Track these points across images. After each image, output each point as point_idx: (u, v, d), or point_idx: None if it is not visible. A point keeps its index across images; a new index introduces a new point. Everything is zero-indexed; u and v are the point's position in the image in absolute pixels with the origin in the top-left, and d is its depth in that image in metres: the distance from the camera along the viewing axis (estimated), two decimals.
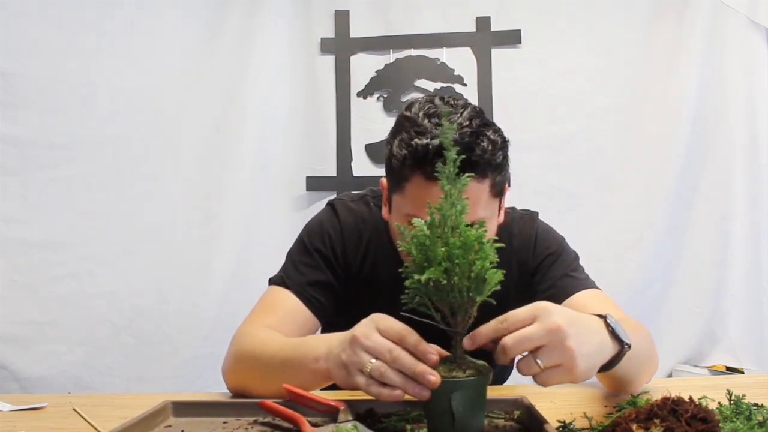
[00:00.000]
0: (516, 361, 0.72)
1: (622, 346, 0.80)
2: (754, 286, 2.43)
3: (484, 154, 0.97)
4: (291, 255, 1.20)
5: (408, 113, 1.02)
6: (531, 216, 1.24)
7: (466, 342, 0.72)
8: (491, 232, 1.05)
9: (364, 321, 0.78)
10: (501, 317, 0.72)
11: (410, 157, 0.98)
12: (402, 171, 1.00)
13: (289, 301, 1.12)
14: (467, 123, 0.98)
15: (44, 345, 2.21)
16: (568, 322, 0.71)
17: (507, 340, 0.70)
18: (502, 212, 1.10)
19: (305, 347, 0.93)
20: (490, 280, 0.72)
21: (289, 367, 0.95)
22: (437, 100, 1.03)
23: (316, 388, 0.95)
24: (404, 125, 1.01)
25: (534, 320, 0.71)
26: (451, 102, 1.03)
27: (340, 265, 1.17)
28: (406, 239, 0.73)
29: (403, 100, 2.46)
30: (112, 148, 2.29)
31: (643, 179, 2.42)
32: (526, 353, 0.71)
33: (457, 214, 0.72)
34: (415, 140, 0.97)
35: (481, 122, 1.00)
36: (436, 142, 0.95)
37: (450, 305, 0.73)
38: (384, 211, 1.13)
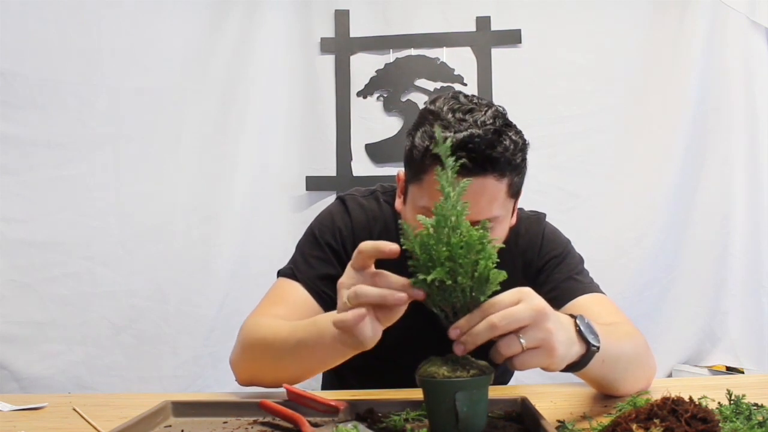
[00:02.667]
0: (497, 343, 0.72)
1: (589, 348, 0.80)
2: (754, 286, 2.43)
3: (505, 152, 0.98)
4: (301, 247, 1.20)
5: (432, 107, 1.03)
6: (538, 217, 1.25)
7: (452, 332, 0.73)
8: (503, 232, 1.06)
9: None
10: (486, 303, 0.73)
11: (432, 148, 0.98)
12: (422, 162, 1.01)
13: (298, 293, 1.13)
14: (491, 121, 0.99)
15: (44, 345, 2.21)
16: (549, 307, 0.75)
17: (494, 317, 0.71)
18: (516, 215, 1.11)
19: (317, 327, 0.95)
20: (492, 280, 0.72)
21: (303, 348, 0.96)
22: (462, 97, 1.04)
23: (334, 365, 0.97)
24: (428, 118, 1.02)
25: (518, 302, 0.73)
26: (475, 100, 1.04)
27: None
28: (409, 238, 0.74)
29: (403, 99, 2.46)
30: (112, 148, 2.29)
31: (643, 179, 2.42)
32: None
33: (457, 215, 0.72)
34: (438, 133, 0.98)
35: (503, 122, 1.01)
36: (460, 136, 0.96)
37: (452, 305, 0.74)
38: (398, 202, 1.14)
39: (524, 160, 1.04)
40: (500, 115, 1.02)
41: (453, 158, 0.94)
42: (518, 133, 1.03)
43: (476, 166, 0.96)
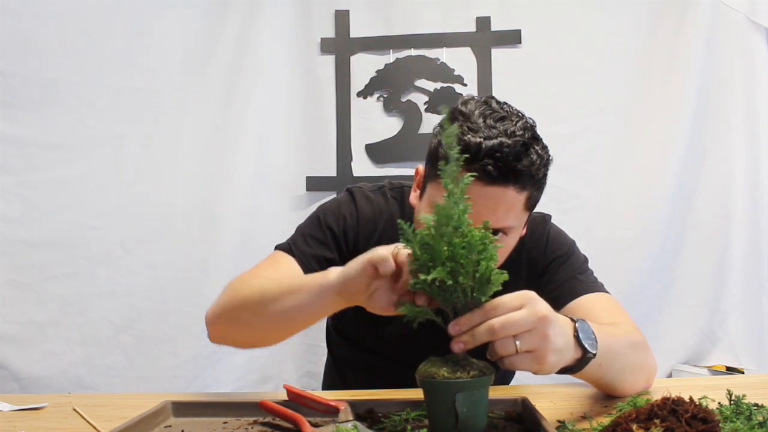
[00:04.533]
0: (494, 342, 0.73)
1: (585, 353, 0.81)
2: (754, 286, 2.43)
3: (530, 166, 0.99)
4: (302, 228, 1.21)
5: (463, 108, 1.03)
6: (543, 218, 1.25)
7: (452, 328, 0.73)
8: (513, 242, 1.07)
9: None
10: (489, 304, 0.73)
11: (461, 151, 0.98)
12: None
13: (291, 266, 1.13)
14: (520, 133, 0.99)
15: (44, 345, 2.21)
16: (552, 314, 0.75)
17: (495, 322, 0.72)
18: (527, 227, 1.12)
19: (308, 275, 0.97)
20: (494, 281, 0.72)
21: (287, 293, 0.96)
22: (494, 103, 1.04)
23: (312, 315, 0.95)
24: (458, 118, 1.02)
25: (521, 307, 0.73)
26: (507, 108, 1.04)
27: (349, 250, 1.17)
28: (409, 238, 0.74)
29: (403, 100, 2.46)
30: (112, 148, 2.29)
31: (643, 179, 2.42)
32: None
33: (460, 213, 0.72)
34: (468, 136, 0.97)
35: (532, 135, 1.01)
36: (489, 143, 0.96)
37: (453, 305, 0.74)
38: (413, 196, 1.14)
39: (545, 175, 1.04)
40: (530, 127, 1.02)
41: (478, 164, 0.94)
42: (544, 148, 1.03)
43: (500, 175, 0.96)
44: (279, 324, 1.00)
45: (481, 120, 0.99)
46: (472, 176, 0.77)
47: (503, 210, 1.00)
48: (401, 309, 0.76)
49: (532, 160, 0.99)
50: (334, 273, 0.88)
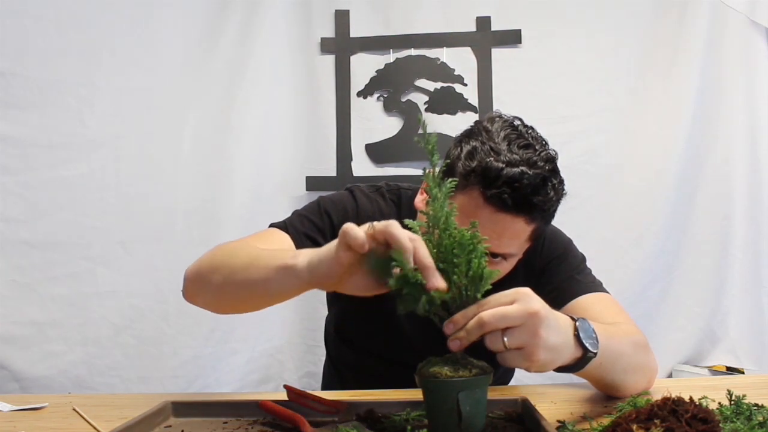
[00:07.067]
0: (485, 336, 0.73)
1: (586, 353, 0.80)
2: (754, 286, 2.43)
3: (545, 201, 0.98)
4: (299, 211, 1.21)
5: (488, 125, 1.01)
6: None
7: (447, 327, 0.73)
8: (510, 266, 1.06)
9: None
10: (483, 300, 0.73)
11: (479, 172, 0.97)
12: (463, 180, 0.99)
13: (284, 240, 1.12)
14: (541, 164, 0.97)
15: (44, 345, 2.20)
16: (545, 311, 0.74)
17: (484, 314, 0.71)
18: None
19: (280, 252, 0.90)
20: (486, 278, 0.73)
21: (255, 265, 0.89)
22: (521, 127, 1.02)
23: (282, 293, 0.87)
24: (481, 135, 1.00)
25: (514, 303, 0.73)
26: (533, 134, 1.02)
27: None
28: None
29: (403, 100, 2.46)
30: (112, 148, 2.29)
31: (643, 179, 2.42)
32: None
33: (446, 216, 0.72)
34: (490, 159, 0.96)
35: (552, 168, 1.00)
36: (511, 171, 0.95)
37: (448, 305, 0.74)
38: (419, 198, 1.13)
39: (555, 212, 1.04)
40: (551, 159, 1.00)
41: (495, 191, 0.94)
42: (561, 182, 1.02)
43: (514, 205, 0.96)
44: (244, 294, 0.94)
45: (504, 144, 0.98)
46: (453, 181, 0.76)
47: (508, 238, 0.99)
48: (391, 282, 0.70)
49: (548, 196, 0.98)
50: (303, 255, 0.80)
